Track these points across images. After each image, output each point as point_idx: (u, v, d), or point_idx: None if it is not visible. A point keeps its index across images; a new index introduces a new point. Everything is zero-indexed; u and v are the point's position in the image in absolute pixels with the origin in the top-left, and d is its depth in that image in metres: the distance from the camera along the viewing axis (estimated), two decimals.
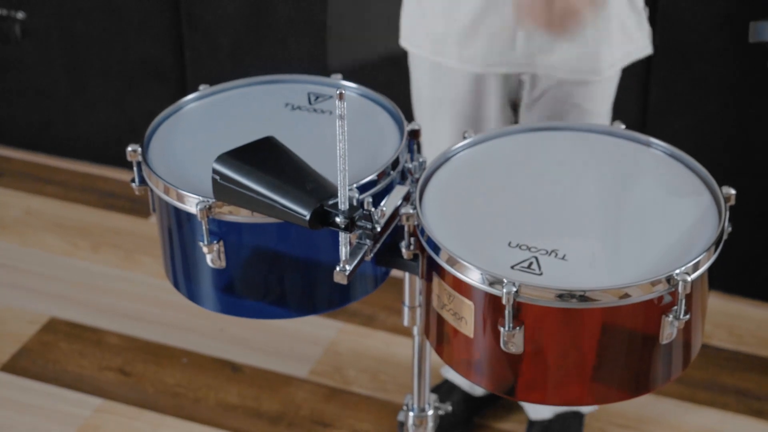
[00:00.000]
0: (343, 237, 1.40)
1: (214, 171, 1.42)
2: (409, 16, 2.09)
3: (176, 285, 1.63)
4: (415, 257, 1.51)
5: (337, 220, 1.38)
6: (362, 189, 1.49)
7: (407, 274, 1.66)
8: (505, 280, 1.36)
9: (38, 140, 3.36)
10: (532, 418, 2.39)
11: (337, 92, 1.30)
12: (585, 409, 2.41)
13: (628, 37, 2.02)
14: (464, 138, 1.64)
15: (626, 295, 1.36)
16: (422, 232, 1.46)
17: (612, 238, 1.48)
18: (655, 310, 1.39)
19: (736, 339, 2.66)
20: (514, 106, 2.14)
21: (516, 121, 2.14)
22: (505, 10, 1.95)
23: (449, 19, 2.00)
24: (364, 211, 1.41)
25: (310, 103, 1.73)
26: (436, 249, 1.43)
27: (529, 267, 1.40)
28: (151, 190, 1.59)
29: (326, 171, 1.44)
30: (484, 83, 2.05)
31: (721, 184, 1.53)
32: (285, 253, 1.54)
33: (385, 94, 1.73)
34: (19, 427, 2.45)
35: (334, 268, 1.41)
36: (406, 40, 2.10)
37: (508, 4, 1.94)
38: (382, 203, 1.48)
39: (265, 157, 1.43)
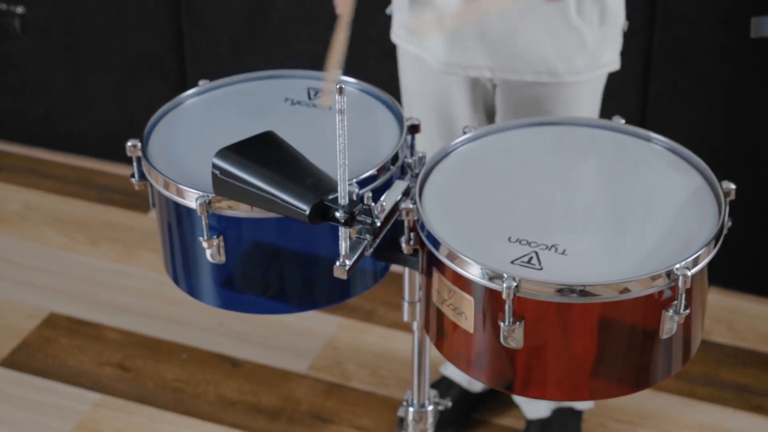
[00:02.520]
0: (342, 232, 1.40)
1: (214, 166, 1.42)
2: (395, 8, 2.09)
3: (176, 280, 1.63)
4: (415, 252, 1.51)
5: (337, 214, 1.38)
6: (362, 184, 1.49)
7: (407, 269, 1.66)
8: (505, 275, 1.36)
9: (37, 135, 3.36)
10: (529, 417, 2.39)
11: (337, 87, 1.30)
12: (582, 406, 2.41)
13: (591, 48, 1.99)
14: (464, 133, 1.64)
15: (626, 290, 1.36)
16: (422, 227, 1.46)
17: (612, 233, 1.48)
18: (655, 304, 1.39)
19: (736, 334, 2.66)
20: (491, 116, 2.13)
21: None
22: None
23: (423, 9, 2.00)
24: (364, 206, 1.41)
25: (309, 98, 1.73)
26: (436, 244, 1.43)
27: (529, 262, 1.40)
28: (151, 185, 1.59)
29: (326, 166, 1.44)
30: (451, 81, 2.05)
31: (721, 179, 1.53)
32: (285, 248, 1.54)
33: (385, 89, 1.73)
34: (19, 422, 2.45)
35: (334, 263, 1.41)
36: (393, 33, 2.10)
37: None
38: (382, 198, 1.48)
39: (264, 151, 1.43)
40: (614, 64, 2.03)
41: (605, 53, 2.00)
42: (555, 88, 2.00)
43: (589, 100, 2.06)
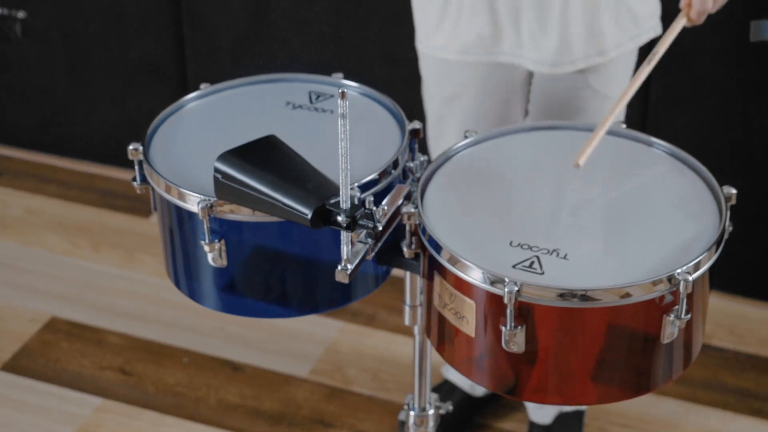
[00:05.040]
0: (344, 236, 1.40)
1: (216, 170, 1.42)
2: (417, 16, 2.06)
3: (177, 284, 1.63)
4: (417, 256, 1.51)
5: (339, 219, 1.38)
6: (364, 188, 1.49)
7: (408, 274, 1.66)
8: (506, 280, 1.36)
9: (39, 139, 3.36)
10: (534, 420, 2.39)
11: (339, 91, 1.31)
12: (582, 406, 2.41)
13: (633, 18, 1.99)
14: (465, 137, 1.64)
15: (627, 295, 1.36)
16: (423, 231, 1.46)
17: (613, 238, 1.48)
18: (656, 309, 1.39)
19: (737, 339, 2.66)
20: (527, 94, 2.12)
21: (527, 110, 2.12)
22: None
23: (453, 13, 1.97)
24: (366, 210, 1.41)
25: (311, 102, 1.73)
26: (438, 248, 1.43)
27: (530, 266, 1.40)
28: (153, 189, 1.59)
29: (327, 170, 1.44)
30: (491, 75, 2.03)
31: (722, 183, 1.53)
32: (286, 252, 1.54)
33: (386, 93, 1.73)
34: (20, 426, 2.45)
35: (336, 267, 1.41)
36: (418, 41, 2.08)
37: None
38: (384, 202, 1.48)
39: (266, 155, 1.44)
40: (656, 28, 2.02)
41: (648, 19, 2.00)
42: (597, 68, 1.99)
43: (626, 75, 2.05)
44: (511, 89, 2.06)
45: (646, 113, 2.67)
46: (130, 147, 1.59)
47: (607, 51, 1.96)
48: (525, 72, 2.06)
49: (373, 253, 1.45)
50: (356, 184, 1.48)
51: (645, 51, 2.09)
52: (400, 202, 1.50)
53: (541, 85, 2.06)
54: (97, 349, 2.65)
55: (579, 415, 2.40)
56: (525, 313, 1.38)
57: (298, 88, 1.76)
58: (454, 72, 2.04)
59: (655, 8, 2.03)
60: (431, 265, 1.47)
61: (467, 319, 1.43)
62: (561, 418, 2.37)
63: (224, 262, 1.53)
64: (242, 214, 1.49)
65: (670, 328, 1.41)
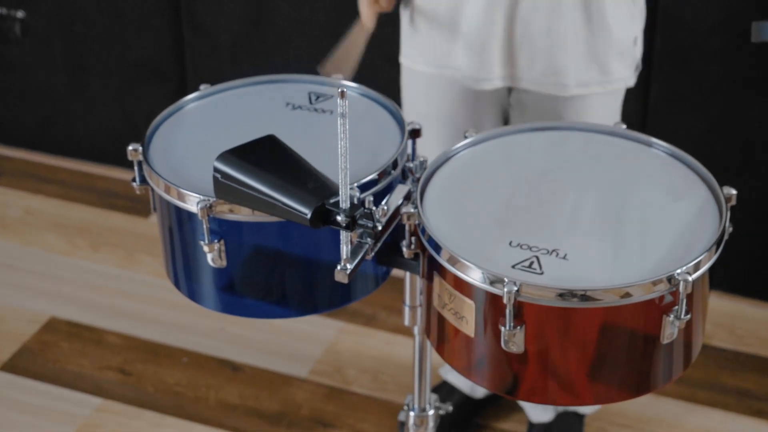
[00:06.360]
0: (344, 236, 1.40)
1: (216, 169, 1.42)
2: (404, 31, 2.07)
3: (177, 284, 1.63)
4: (416, 256, 1.51)
5: (339, 218, 1.38)
6: (363, 188, 1.49)
7: (408, 274, 1.66)
8: (506, 280, 1.36)
9: (38, 140, 3.36)
10: (533, 420, 2.39)
11: (339, 90, 1.31)
12: (585, 410, 2.41)
13: (602, 63, 1.97)
14: (465, 137, 1.64)
15: (627, 295, 1.36)
16: (423, 231, 1.46)
17: (613, 238, 1.48)
18: (656, 309, 1.39)
19: (737, 339, 2.66)
20: (506, 121, 2.13)
21: None
22: (490, 21, 1.93)
23: (445, 30, 1.98)
24: (365, 210, 1.41)
25: (311, 102, 1.73)
26: (437, 248, 1.43)
27: (530, 266, 1.40)
28: (152, 189, 1.59)
29: (327, 170, 1.44)
30: (478, 96, 2.04)
31: (722, 183, 1.53)
32: (286, 252, 1.54)
33: (386, 93, 1.73)
34: (19, 427, 2.45)
35: (335, 267, 1.41)
36: (403, 55, 2.08)
37: (495, 16, 1.92)
38: (383, 202, 1.48)
39: (266, 155, 1.43)
40: (628, 79, 2.01)
41: (615, 68, 1.99)
42: (565, 102, 1.99)
43: (602, 113, 2.03)
44: (490, 110, 2.07)
45: (646, 113, 2.67)
46: (130, 147, 1.59)
47: (567, 87, 1.97)
48: (505, 97, 2.07)
49: (373, 253, 1.44)
50: (356, 184, 1.48)
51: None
52: (399, 202, 1.50)
53: (516, 114, 2.07)
54: (96, 349, 2.65)
55: (579, 414, 2.40)
56: (524, 313, 1.38)
57: (297, 88, 1.76)
58: (440, 89, 2.04)
59: (632, 60, 2.02)
60: (431, 265, 1.47)
61: (467, 319, 1.43)
62: (561, 417, 2.37)
63: (224, 263, 1.53)
64: (242, 214, 1.49)
65: (670, 329, 1.40)
